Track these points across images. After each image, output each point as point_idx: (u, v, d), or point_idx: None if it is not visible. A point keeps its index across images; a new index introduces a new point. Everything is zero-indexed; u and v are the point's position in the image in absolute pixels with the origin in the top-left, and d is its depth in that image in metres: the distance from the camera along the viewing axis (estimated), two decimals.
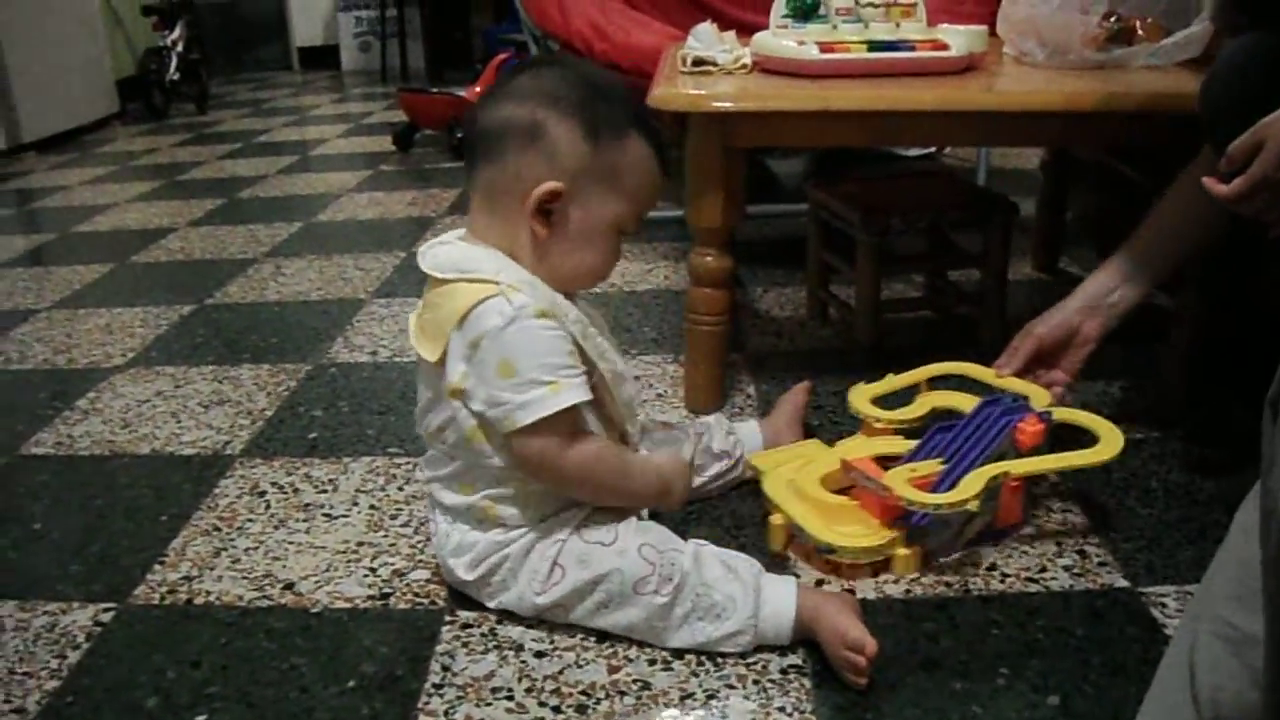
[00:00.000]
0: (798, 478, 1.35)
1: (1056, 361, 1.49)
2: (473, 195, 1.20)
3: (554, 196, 1.13)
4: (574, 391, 1.12)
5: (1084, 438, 1.36)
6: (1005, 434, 1.32)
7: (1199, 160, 1.42)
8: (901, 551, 1.27)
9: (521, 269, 1.15)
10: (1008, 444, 1.33)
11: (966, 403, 1.44)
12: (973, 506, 1.22)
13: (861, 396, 1.50)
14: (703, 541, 1.21)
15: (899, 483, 1.24)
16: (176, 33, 5.56)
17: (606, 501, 1.21)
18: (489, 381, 1.12)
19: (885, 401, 1.50)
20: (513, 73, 1.19)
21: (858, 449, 1.40)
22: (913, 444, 1.39)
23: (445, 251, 1.18)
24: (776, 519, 1.32)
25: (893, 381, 1.54)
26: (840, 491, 1.34)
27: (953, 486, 1.25)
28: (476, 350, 1.12)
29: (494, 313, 1.11)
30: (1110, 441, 1.33)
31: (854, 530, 1.27)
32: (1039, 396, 1.43)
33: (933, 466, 1.30)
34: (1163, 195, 1.47)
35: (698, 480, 1.41)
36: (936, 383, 1.53)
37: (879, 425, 1.46)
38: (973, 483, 1.24)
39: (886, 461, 1.34)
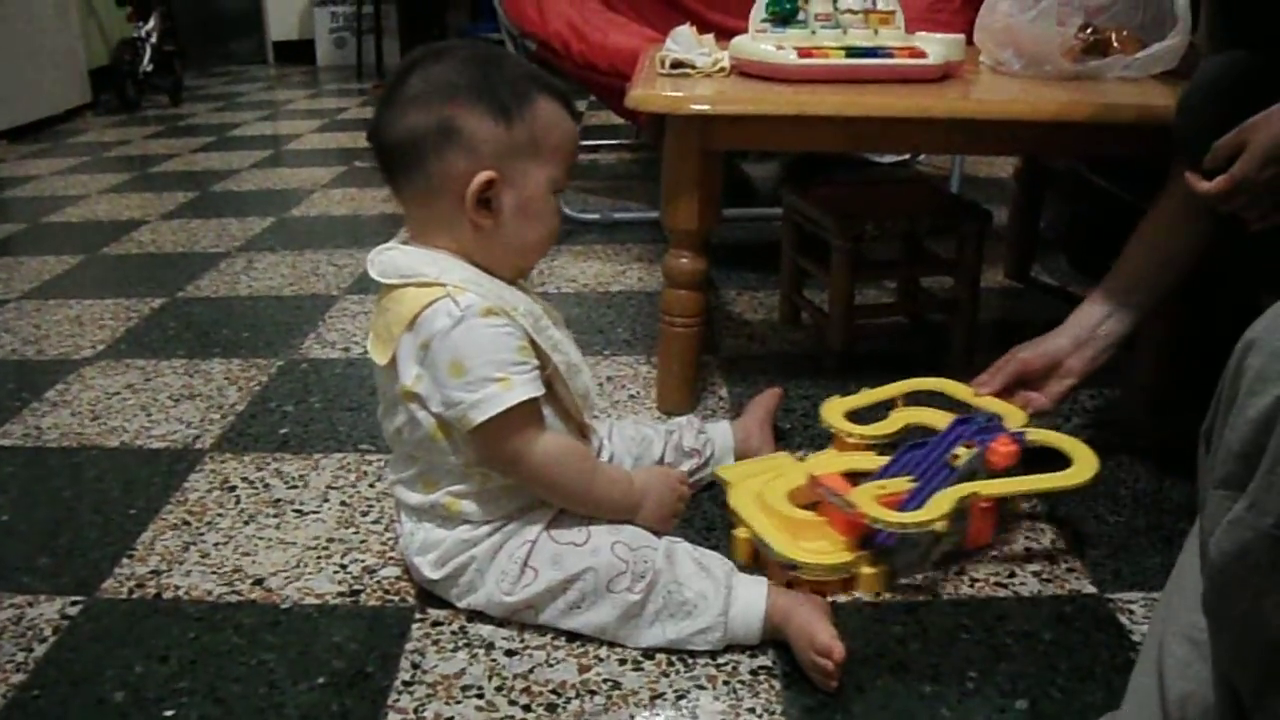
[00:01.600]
0: (765, 491, 1.33)
1: (1038, 388, 1.48)
2: (404, 206, 1.20)
3: (488, 185, 1.13)
4: (526, 387, 1.13)
5: (1061, 460, 1.35)
6: (977, 453, 1.32)
7: (1171, 189, 1.43)
8: (866, 570, 1.25)
9: (465, 267, 1.15)
10: (979, 464, 1.32)
11: (941, 420, 1.44)
12: (940, 527, 1.21)
13: (834, 410, 1.49)
14: (676, 539, 1.21)
15: (866, 500, 1.23)
16: (151, 24, 5.52)
17: (572, 503, 1.21)
18: (442, 382, 1.12)
19: (859, 416, 1.50)
20: (400, 75, 1.17)
21: (828, 464, 1.40)
22: (884, 460, 1.38)
23: (390, 257, 1.18)
24: (741, 532, 1.30)
25: (868, 395, 1.53)
26: (808, 507, 1.32)
27: (921, 505, 1.24)
28: (427, 352, 1.12)
29: (442, 314, 1.11)
30: (1084, 465, 1.31)
31: (819, 547, 1.26)
32: (1014, 416, 1.42)
33: (902, 484, 1.30)
34: (1140, 227, 1.47)
35: None
36: (911, 398, 1.53)
37: (851, 440, 1.46)
38: (941, 503, 1.23)
39: (857, 478, 1.33)
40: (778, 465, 1.42)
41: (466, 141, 1.12)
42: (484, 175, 1.12)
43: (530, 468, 1.16)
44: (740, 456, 1.51)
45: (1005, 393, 1.48)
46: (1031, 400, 1.48)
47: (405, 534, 1.24)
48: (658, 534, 1.21)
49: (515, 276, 1.21)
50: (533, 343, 1.15)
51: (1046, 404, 1.48)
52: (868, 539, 1.26)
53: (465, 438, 1.15)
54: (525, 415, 1.14)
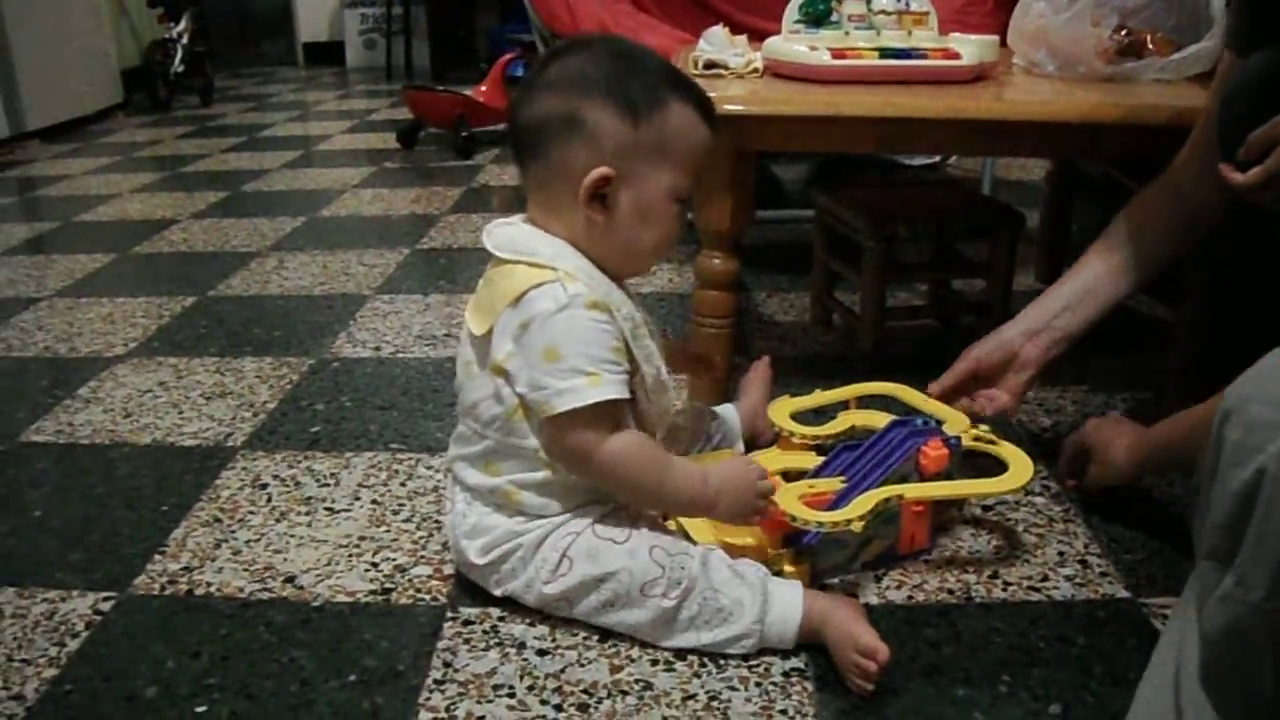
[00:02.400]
0: None
1: (997, 384, 1.46)
2: (527, 187, 1.20)
3: (604, 181, 1.13)
4: (614, 387, 1.12)
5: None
6: (907, 457, 1.31)
7: (1147, 192, 1.42)
8: (789, 568, 1.23)
9: (579, 257, 1.15)
10: (910, 467, 1.31)
11: (885, 422, 1.43)
12: (856, 528, 1.19)
13: (782, 410, 1.49)
14: (712, 546, 1.20)
15: (787, 498, 1.22)
16: (182, 25, 5.56)
17: (643, 502, 1.20)
18: (533, 364, 1.12)
19: (812, 417, 1.50)
20: (543, 61, 1.18)
21: (768, 461, 1.39)
22: (822, 460, 1.38)
23: (508, 232, 1.19)
24: (669, 525, 1.28)
25: (820, 397, 1.53)
26: None
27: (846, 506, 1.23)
28: (525, 331, 1.12)
29: (548, 297, 1.11)
30: (1018, 471, 1.30)
31: (743, 542, 1.25)
32: (956, 421, 1.40)
33: (833, 484, 1.29)
34: (1109, 228, 1.46)
35: None
36: (864, 401, 1.51)
37: (796, 440, 1.45)
38: (861, 504, 1.21)
39: (796, 477, 1.33)
40: (719, 460, 1.40)
41: (590, 134, 1.12)
42: (600, 171, 1.12)
43: (598, 464, 1.14)
44: (748, 438, 1.53)
45: (965, 394, 1.46)
46: (994, 399, 1.45)
47: (456, 513, 1.23)
48: (692, 545, 1.20)
49: (625, 276, 1.21)
50: (627, 348, 1.15)
51: (1008, 401, 1.45)
52: (792, 537, 1.25)
53: (540, 424, 1.15)
54: (604, 414, 1.12)
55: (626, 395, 1.14)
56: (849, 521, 1.19)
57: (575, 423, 1.12)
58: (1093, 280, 1.44)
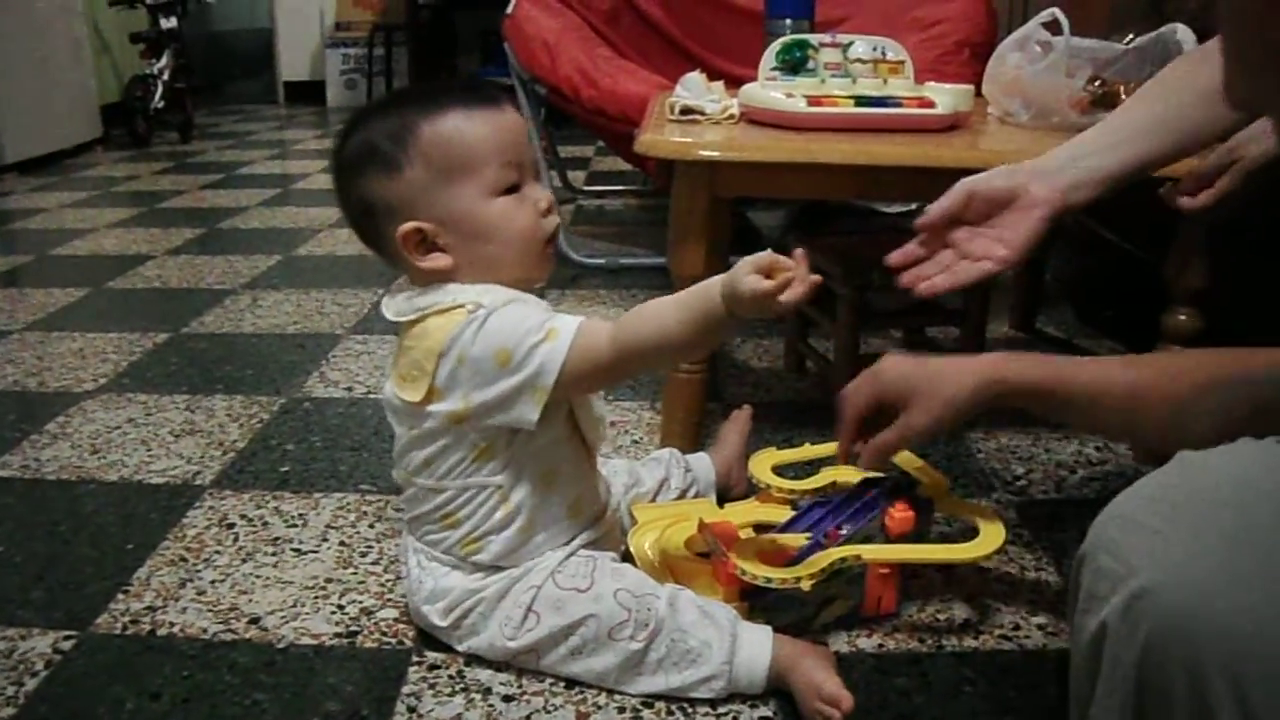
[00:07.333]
0: (665, 534, 1.32)
1: (992, 231, 1.31)
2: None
3: (417, 235, 1.13)
4: (567, 323, 1.10)
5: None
6: (873, 517, 1.29)
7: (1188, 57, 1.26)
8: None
9: (473, 286, 1.14)
10: (875, 528, 1.29)
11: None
12: (805, 586, 1.17)
13: (763, 462, 1.47)
14: (679, 587, 1.19)
15: (743, 551, 1.21)
16: (163, 61, 5.55)
17: (677, 354, 1.24)
18: (496, 380, 1.10)
19: (797, 470, 1.48)
20: (334, 149, 1.20)
21: (741, 514, 1.39)
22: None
23: (403, 296, 1.18)
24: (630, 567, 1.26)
25: (807, 450, 1.50)
26: (704, 555, 1.29)
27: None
28: (464, 365, 1.10)
29: (464, 327, 1.10)
30: (987, 539, 1.27)
31: (700, 595, 1.22)
32: (935, 483, 1.39)
33: (797, 540, 1.27)
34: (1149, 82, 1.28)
35: None
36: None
37: (776, 493, 1.42)
38: (814, 562, 1.19)
39: (768, 530, 1.32)
40: (695, 511, 1.38)
41: (382, 209, 1.13)
42: (403, 229, 1.12)
43: (615, 368, 1.12)
44: (721, 490, 1.52)
45: (942, 240, 1.37)
46: (989, 253, 1.31)
47: (412, 578, 1.22)
48: (659, 585, 1.19)
49: (535, 278, 1.20)
50: None
51: (1005, 255, 1.29)
52: (752, 592, 1.22)
53: (507, 455, 1.15)
54: (585, 341, 1.10)
55: (580, 318, 1.12)
56: (798, 580, 1.17)
57: (573, 370, 1.09)
58: (1134, 124, 1.26)
